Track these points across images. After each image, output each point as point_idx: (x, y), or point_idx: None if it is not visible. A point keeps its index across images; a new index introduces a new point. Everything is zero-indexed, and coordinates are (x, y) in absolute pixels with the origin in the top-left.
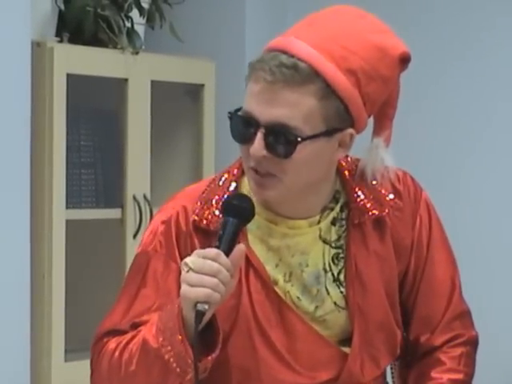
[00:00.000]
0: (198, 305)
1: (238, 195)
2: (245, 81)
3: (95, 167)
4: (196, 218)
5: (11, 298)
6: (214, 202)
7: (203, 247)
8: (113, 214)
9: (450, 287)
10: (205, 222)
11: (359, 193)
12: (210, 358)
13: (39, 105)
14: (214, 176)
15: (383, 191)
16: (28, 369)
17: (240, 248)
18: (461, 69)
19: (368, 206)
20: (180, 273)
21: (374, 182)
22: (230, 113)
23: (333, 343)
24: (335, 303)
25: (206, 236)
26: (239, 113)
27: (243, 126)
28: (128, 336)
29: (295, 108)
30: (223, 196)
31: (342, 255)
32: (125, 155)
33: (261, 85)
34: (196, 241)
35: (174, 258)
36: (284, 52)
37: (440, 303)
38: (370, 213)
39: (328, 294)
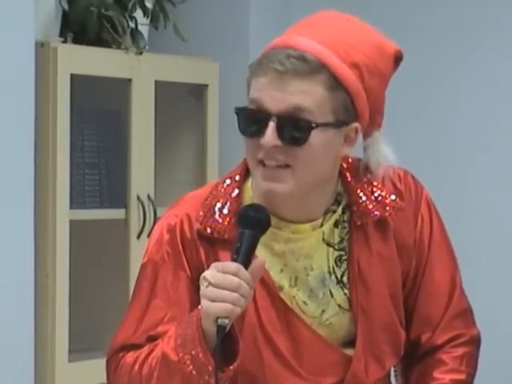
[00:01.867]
0: (219, 320)
1: (253, 206)
2: (246, 83)
3: (99, 167)
4: (200, 226)
5: (15, 298)
6: (216, 209)
7: (207, 255)
8: (117, 214)
9: (451, 285)
10: (209, 230)
11: (361, 194)
12: (231, 367)
13: (43, 105)
14: (217, 182)
15: (385, 192)
16: (32, 369)
17: (259, 261)
18: (467, 69)
19: (370, 207)
20: (189, 281)
21: (376, 183)
22: (237, 108)
23: (338, 347)
24: (339, 305)
25: (210, 243)
26: (246, 105)
27: (253, 118)
28: (145, 350)
29: (307, 95)
30: (226, 203)
31: (344, 257)
32: (128, 155)
33: (270, 75)
34: (201, 248)
35: (182, 267)
36: (289, 48)
37: (440, 302)
38: (372, 214)
39: (332, 296)
